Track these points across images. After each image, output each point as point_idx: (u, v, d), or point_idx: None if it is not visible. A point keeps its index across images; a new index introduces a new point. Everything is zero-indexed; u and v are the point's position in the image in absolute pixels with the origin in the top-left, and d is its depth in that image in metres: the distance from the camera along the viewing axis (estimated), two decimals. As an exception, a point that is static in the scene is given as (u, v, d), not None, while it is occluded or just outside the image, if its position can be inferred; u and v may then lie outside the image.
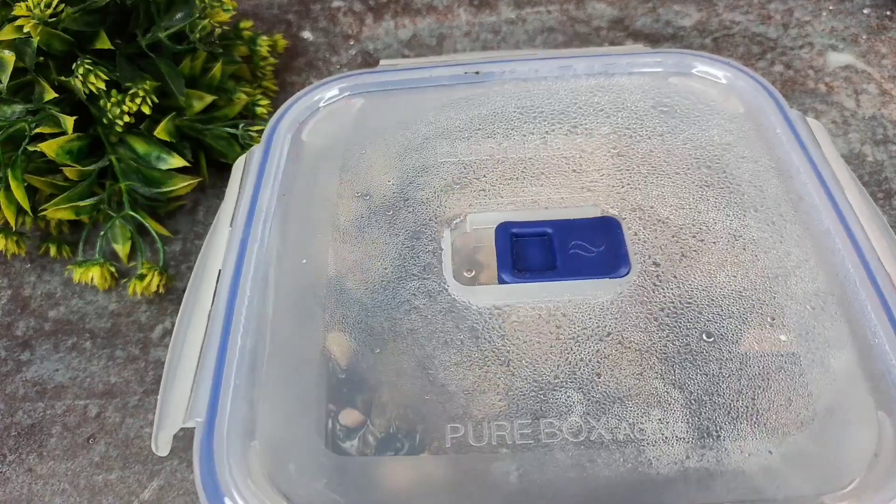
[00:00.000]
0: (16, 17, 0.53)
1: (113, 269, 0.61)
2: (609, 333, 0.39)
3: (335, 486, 0.35)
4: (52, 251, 0.63)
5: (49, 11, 0.53)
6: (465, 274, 0.43)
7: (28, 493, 0.55)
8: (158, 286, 0.60)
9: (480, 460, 0.35)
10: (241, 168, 0.51)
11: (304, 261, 0.45)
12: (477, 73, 0.55)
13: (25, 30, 0.52)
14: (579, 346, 0.39)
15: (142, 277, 0.59)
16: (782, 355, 0.37)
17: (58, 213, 0.59)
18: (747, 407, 0.35)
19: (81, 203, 0.59)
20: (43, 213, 0.59)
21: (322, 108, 0.55)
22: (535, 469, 0.34)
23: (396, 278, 0.43)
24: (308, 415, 0.38)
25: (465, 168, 0.49)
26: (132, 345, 0.60)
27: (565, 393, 0.37)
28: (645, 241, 0.43)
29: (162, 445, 0.37)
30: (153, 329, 0.61)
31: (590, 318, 0.40)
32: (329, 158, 0.51)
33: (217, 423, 0.35)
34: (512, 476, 0.34)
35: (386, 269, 0.44)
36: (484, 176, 0.48)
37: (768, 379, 0.36)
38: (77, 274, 0.60)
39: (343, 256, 0.45)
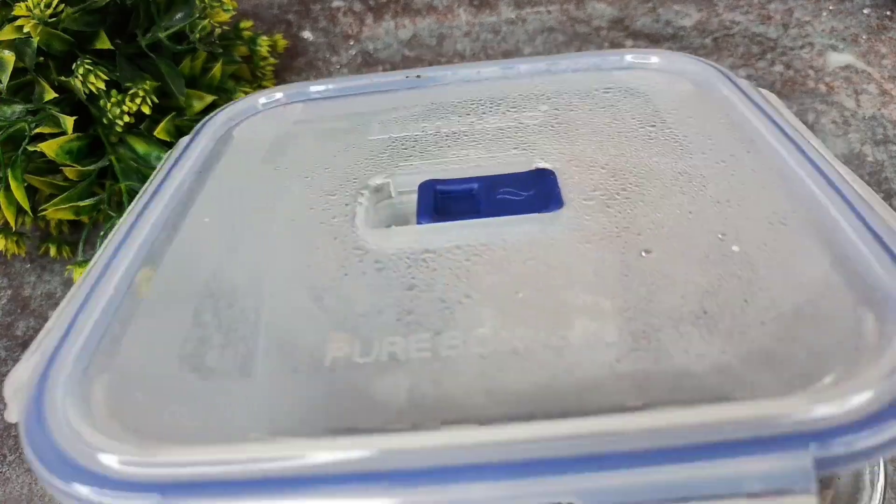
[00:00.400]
0: (16, 17, 0.53)
1: None
2: (532, 258, 0.36)
3: (189, 411, 0.31)
4: (52, 251, 0.63)
5: (49, 11, 0.53)
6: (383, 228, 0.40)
7: (28, 493, 0.55)
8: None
9: (365, 376, 0.31)
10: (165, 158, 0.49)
11: (207, 219, 0.42)
12: (418, 76, 0.54)
13: (25, 30, 0.52)
14: (499, 270, 0.35)
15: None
16: (735, 263, 0.34)
17: (58, 213, 0.59)
18: (692, 311, 0.32)
19: (81, 203, 0.59)
20: (43, 213, 0.60)
21: (260, 111, 0.53)
22: (430, 383, 0.30)
23: (299, 227, 0.40)
24: (164, 342, 0.34)
25: (393, 142, 0.47)
26: (132, 345, 0.60)
27: (475, 309, 0.33)
28: (580, 183, 0.40)
29: (9, 405, 0.30)
30: (153, 329, 0.61)
31: (513, 247, 0.36)
32: (256, 147, 0.50)
33: (58, 358, 0.31)
34: (402, 391, 0.30)
35: (291, 220, 0.41)
36: (413, 146, 0.46)
37: (719, 286, 0.33)
38: (77, 274, 0.60)
39: (245, 216, 0.42)
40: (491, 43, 0.75)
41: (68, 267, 0.62)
